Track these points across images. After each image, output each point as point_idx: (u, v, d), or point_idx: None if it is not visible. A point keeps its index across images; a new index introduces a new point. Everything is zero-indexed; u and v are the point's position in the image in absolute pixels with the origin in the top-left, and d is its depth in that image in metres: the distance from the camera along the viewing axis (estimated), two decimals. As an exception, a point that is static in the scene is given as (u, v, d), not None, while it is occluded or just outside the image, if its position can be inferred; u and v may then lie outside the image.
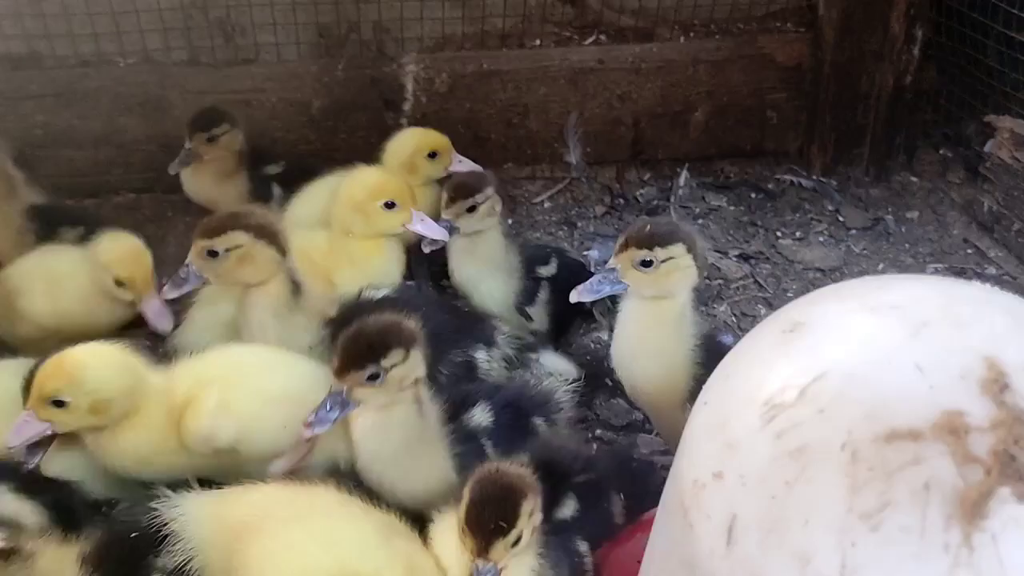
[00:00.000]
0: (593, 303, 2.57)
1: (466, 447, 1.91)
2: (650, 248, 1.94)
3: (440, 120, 3.20)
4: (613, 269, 2.00)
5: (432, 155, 2.80)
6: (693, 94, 3.52)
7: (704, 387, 1.27)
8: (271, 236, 2.10)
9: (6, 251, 2.51)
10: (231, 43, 3.27)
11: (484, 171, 2.63)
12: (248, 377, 1.94)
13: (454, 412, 1.96)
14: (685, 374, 1.97)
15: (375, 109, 3.32)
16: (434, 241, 2.44)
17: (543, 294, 2.58)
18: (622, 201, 3.49)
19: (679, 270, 1.98)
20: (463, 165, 2.82)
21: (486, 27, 3.42)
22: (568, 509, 1.86)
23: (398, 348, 1.74)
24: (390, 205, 2.43)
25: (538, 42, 3.47)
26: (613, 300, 2.30)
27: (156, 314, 2.37)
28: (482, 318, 2.40)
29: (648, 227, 2.00)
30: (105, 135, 3.17)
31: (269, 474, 1.83)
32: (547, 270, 2.62)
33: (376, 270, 2.42)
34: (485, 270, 2.51)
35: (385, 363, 1.72)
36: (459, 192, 2.40)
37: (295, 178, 2.82)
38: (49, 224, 2.61)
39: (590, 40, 3.50)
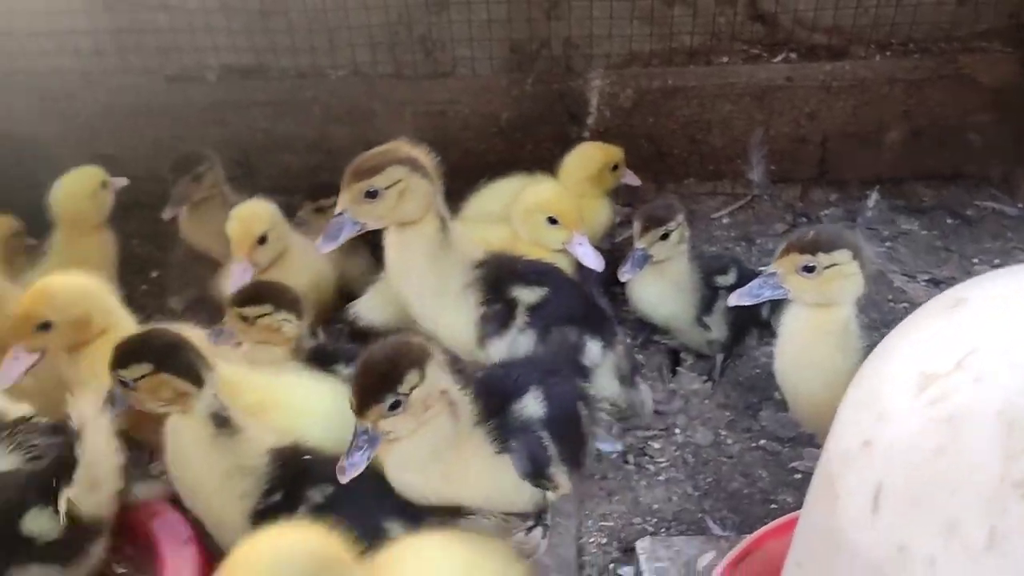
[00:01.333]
0: (772, 314, 2.54)
1: (520, 438, 1.84)
2: (813, 253, 1.90)
3: (623, 134, 3.29)
4: (774, 273, 1.98)
5: (615, 168, 2.90)
6: (887, 114, 3.41)
7: (861, 366, 1.26)
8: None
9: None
10: (431, 57, 3.49)
11: (672, 200, 2.60)
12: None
13: (502, 402, 1.87)
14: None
15: (560, 122, 3.44)
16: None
17: (720, 303, 2.56)
18: (805, 220, 3.42)
19: (843, 277, 1.92)
20: (630, 178, 2.96)
21: (674, 44, 3.47)
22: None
23: (412, 370, 1.63)
24: (553, 221, 2.49)
25: (726, 59, 3.48)
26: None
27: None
28: (611, 322, 2.40)
29: (812, 232, 1.96)
30: (316, 141, 3.46)
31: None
32: (725, 280, 2.60)
33: None
34: (668, 294, 2.53)
35: (403, 389, 1.62)
36: (652, 221, 2.41)
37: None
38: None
39: (779, 58, 3.47)
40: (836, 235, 1.96)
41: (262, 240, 2.52)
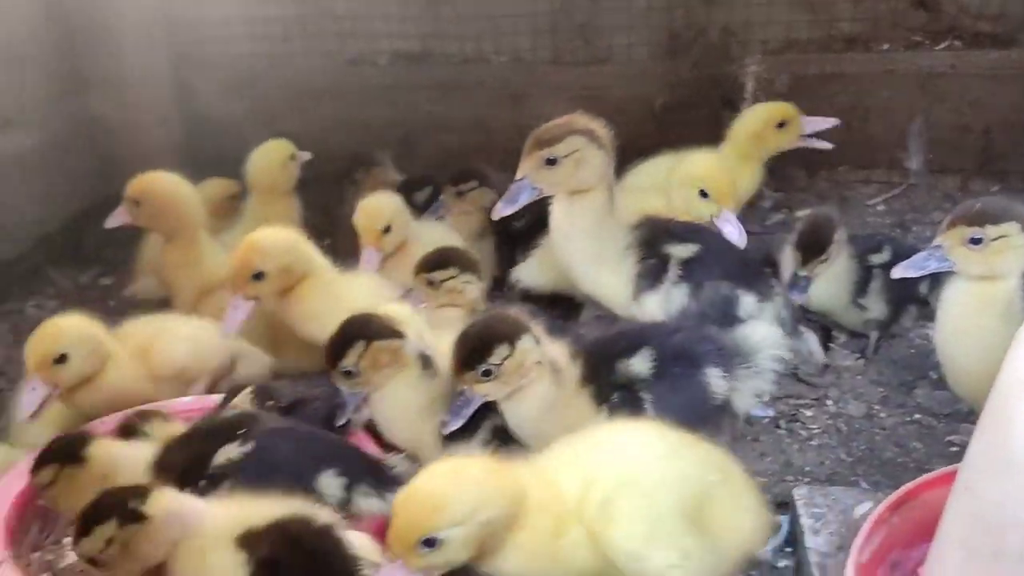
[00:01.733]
0: (931, 291, 2.53)
1: (621, 396, 1.90)
2: (980, 225, 1.88)
3: (777, 120, 3.33)
4: (940, 246, 1.96)
5: (781, 125, 2.96)
6: (1056, 104, 3.32)
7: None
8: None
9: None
10: (589, 45, 3.63)
11: (827, 213, 2.63)
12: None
13: (612, 358, 1.94)
14: None
15: (713, 108, 3.50)
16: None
17: (876, 283, 2.58)
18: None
19: (1011, 250, 1.89)
20: (814, 124, 2.98)
21: (832, 31, 3.49)
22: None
23: (501, 344, 1.76)
24: (704, 194, 2.56)
25: (886, 46, 3.46)
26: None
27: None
28: (766, 276, 2.45)
29: (979, 204, 1.94)
30: (476, 123, 3.65)
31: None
32: (880, 258, 2.61)
33: None
34: (823, 285, 2.56)
35: (493, 360, 1.76)
36: (812, 251, 2.48)
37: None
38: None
39: (943, 45, 3.43)
40: (1004, 207, 1.93)
41: (386, 230, 2.69)
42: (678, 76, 3.51)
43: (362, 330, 1.89)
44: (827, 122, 3.00)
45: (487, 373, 1.77)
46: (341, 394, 1.93)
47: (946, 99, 3.38)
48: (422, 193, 3.16)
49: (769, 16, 3.45)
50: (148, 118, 3.72)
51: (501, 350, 1.76)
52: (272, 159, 3.07)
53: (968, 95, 3.37)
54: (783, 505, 2.06)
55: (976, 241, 1.90)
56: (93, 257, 3.50)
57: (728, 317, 2.21)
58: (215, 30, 3.73)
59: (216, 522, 1.52)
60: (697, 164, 2.66)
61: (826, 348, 2.71)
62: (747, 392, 2.00)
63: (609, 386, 1.90)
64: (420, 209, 3.07)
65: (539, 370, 1.82)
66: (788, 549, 1.95)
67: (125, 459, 1.77)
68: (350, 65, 3.75)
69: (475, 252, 2.80)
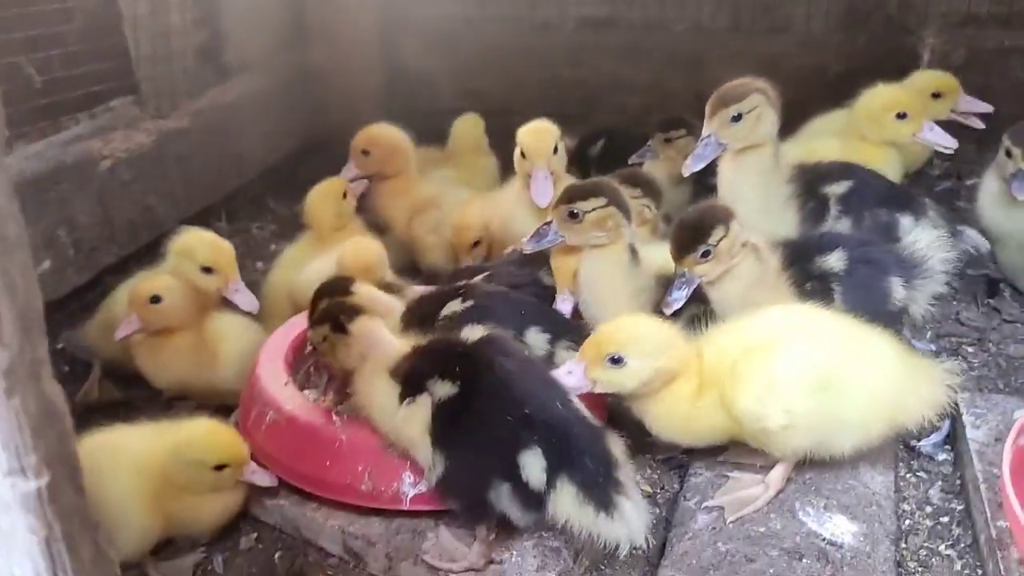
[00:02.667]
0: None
1: (814, 285, 2.14)
2: None
3: (951, 92, 3.42)
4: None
5: (901, 116, 2.85)
6: None
7: None
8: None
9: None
10: (768, 14, 3.82)
11: None
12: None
13: (811, 253, 2.20)
14: None
15: (888, 78, 3.61)
16: None
17: None
18: None
19: None
20: (971, 103, 3.01)
21: (1014, 7, 3.55)
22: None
23: (719, 226, 2.02)
24: (902, 116, 2.76)
25: (1072, 21, 3.51)
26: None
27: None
28: (918, 198, 2.59)
29: None
30: (654, 85, 3.90)
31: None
32: None
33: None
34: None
35: (712, 240, 2.02)
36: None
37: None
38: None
39: None
40: None
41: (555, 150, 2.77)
42: (855, 46, 3.66)
43: (609, 192, 2.19)
44: (983, 106, 3.03)
45: (706, 254, 2.03)
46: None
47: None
48: (595, 147, 3.42)
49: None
50: (357, 70, 4.16)
51: (718, 231, 2.03)
52: (472, 128, 3.48)
53: None
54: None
55: None
56: (307, 188, 3.95)
57: (891, 240, 2.40)
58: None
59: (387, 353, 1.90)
60: (885, 91, 2.88)
61: (991, 296, 2.83)
62: (924, 298, 2.21)
63: (805, 275, 2.15)
64: (594, 163, 3.34)
65: (745, 251, 2.08)
66: (947, 447, 2.12)
67: (384, 307, 2.15)
68: (538, 29, 4.06)
69: (676, 197, 3.05)
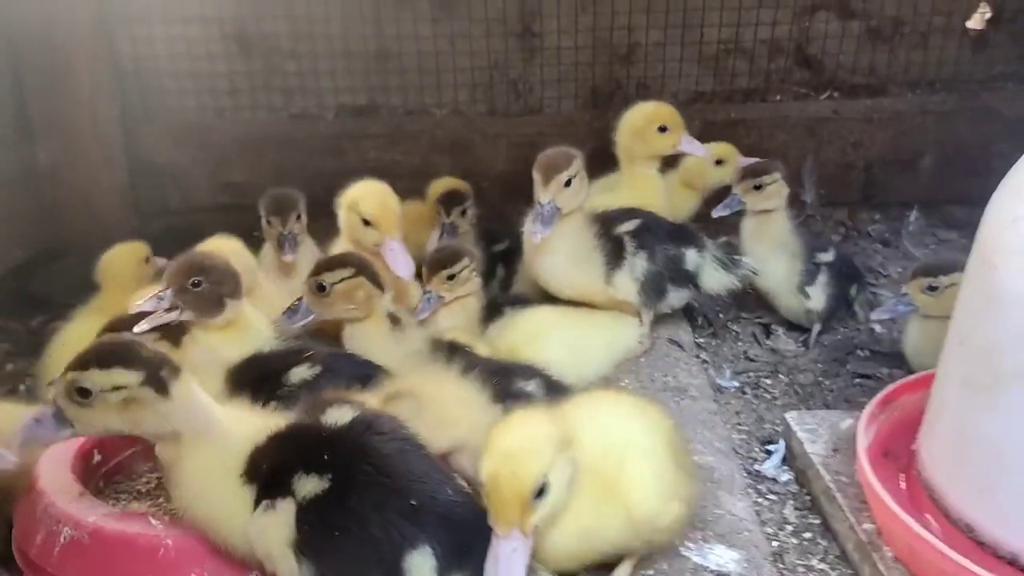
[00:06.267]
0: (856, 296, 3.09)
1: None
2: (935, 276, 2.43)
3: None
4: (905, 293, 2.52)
5: (662, 129, 3.04)
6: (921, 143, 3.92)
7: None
8: (371, 273, 2.27)
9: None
10: (520, 99, 4.00)
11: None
12: None
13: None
14: None
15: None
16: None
17: (822, 277, 2.95)
18: (855, 233, 3.86)
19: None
20: (692, 146, 3.10)
21: (733, 86, 4.00)
22: None
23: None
24: (663, 129, 2.99)
25: (778, 97, 4.00)
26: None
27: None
28: (696, 234, 2.87)
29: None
30: (420, 168, 3.90)
31: None
32: (826, 257, 3.00)
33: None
34: (772, 252, 2.93)
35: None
36: (748, 172, 2.89)
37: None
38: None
39: (825, 96, 4.00)
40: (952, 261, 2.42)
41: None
42: (604, 123, 3.90)
43: (357, 263, 2.26)
44: (700, 149, 3.17)
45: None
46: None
47: (832, 141, 3.92)
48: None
49: (679, 72, 3.93)
50: (95, 168, 3.78)
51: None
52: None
53: (850, 137, 3.92)
54: (768, 442, 2.35)
55: (933, 288, 2.42)
56: (42, 302, 3.48)
57: (680, 271, 2.73)
58: (164, 82, 3.87)
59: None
60: (645, 107, 3.12)
61: (767, 337, 3.06)
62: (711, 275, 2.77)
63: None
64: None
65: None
66: (785, 467, 2.22)
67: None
68: (296, 119, 3.96)
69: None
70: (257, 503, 1.52)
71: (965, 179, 3.92)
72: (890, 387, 2.05)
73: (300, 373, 1.91)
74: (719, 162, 3.33)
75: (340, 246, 2.64)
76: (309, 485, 1.51)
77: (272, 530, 1.50)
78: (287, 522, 1.49)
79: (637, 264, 2.66)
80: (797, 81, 4.05)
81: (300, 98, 3.97)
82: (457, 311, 2.53)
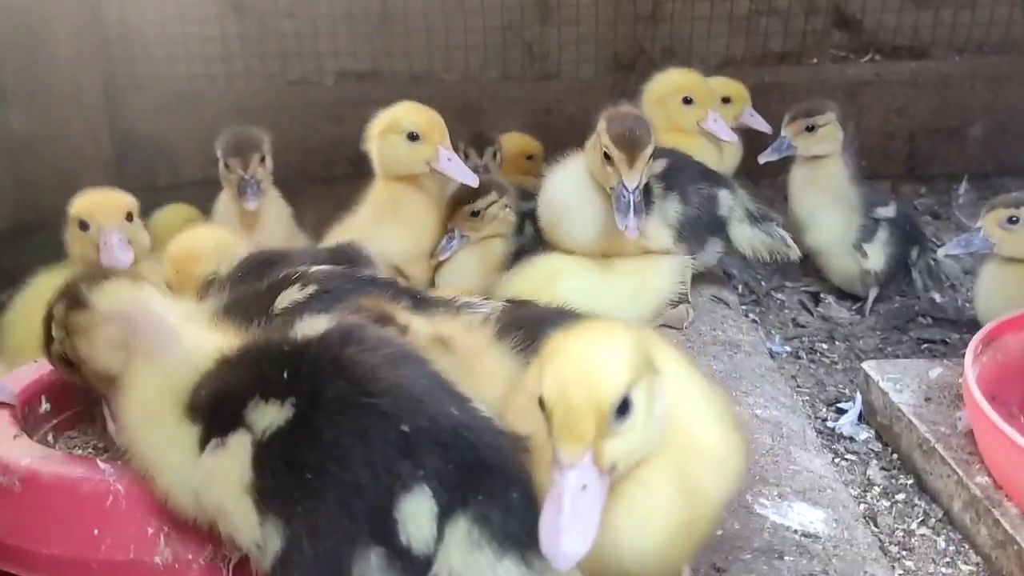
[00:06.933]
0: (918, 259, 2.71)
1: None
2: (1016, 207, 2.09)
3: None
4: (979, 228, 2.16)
5: (687, 100, 2.75)
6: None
7: None
8: (511, 195, 2.33)
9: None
10: (536, 63, 3.71)
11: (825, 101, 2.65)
12: None
13: None
14: None
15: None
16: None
17: (882, 234, 2.62)
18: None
19: None
20: (718, 126, 2.74)
21: (766, 49, 3.71)
22: None
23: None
24: (688, 101, 2.66)
25: (815, 60, 3.70)
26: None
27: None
28: (728, 179, 2.59)
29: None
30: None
31: None
32: (886, 212, 2.67)
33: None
34: (826, 204, 2.60)
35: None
36: (799, 111, 2.56)
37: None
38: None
39: (866, 59, 3.70)
40: None
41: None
42: (626, 89, 3.60)
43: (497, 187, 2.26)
44: (763, 124, 2.98)
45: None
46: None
47: (873, 107, 3.61)
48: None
49: (708, 33, 3.64)
50: (77, 138, 3.50)
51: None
52: None
53: (893, 103, 3.61)
54: (834, 403, 2.02)
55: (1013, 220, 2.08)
56: (13, 280, 3.19)
57: (715, 216, 2.39)
58: (151, 48, 3.59)
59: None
60: (670, 75, 2.78)
61: (817, 305, 2.73)
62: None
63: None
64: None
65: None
66: (863, 424, 1.88)
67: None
68: (294, 85, 3.67)
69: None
70: (204, 444, 1.19)
71: (1018, 148, 3.63)
72: (991, 324, 1.72)
73: (291, 296, 1.57)
74: (726, 100, 2.95)
75: (374, 195, 2.36)
76: (268, 415, 1.16)
77: (222, 474, 1.16)
78: (242, 462, 1.14)
79: (668, 208, 2.32)
80: (835, 43, 3.75)
81: (298, 63, 3.68)
82: (480, 255, 2.27)
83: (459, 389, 1.22)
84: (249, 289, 1.68)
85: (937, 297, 2.77)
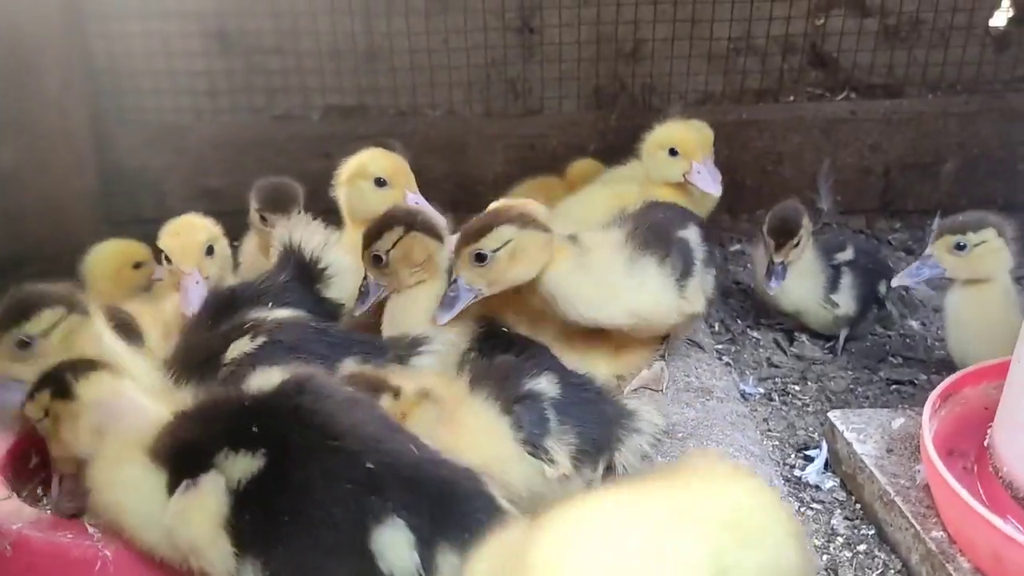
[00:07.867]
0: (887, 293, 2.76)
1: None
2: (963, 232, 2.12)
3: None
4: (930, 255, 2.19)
5: (672, 152, 2.72)
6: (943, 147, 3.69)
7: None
8: (423, 224, 2.02)
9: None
10: (519, 100, 3.77)
11: (796, 205, 2.67)
12: None
13: None
14: None
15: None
16: None
17: (846, 279, 2.67)
18: (876, 242, 3.61)
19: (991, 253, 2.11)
20: (700, 179, 2.69)
21: (744, 86, 3.78)
22: None
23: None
24: (673, 152, 2.68)
25: (792, 98, 3.78)
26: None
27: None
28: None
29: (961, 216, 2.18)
30: (413, 171, 3.65)
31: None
32: (845, 256, 2.73)
33: None
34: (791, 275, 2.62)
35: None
36: (782, 235, 2.56)
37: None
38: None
39: (841, 96, 3.78)
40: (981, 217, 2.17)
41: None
42: (607, 125, 3.68)
43: (406, 218, 1.94)
44: (710, 185, 2.76)
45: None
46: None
47: (849, 143, 3.69)
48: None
49: (687, 71, 3.71)
50: (62, 171, 3.53)
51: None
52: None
53: (868, 139, 3.69)
54: (803, 448, 2.07)
55: (961, 247, 2.11)
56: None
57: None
58: (138, 81, 3.64)
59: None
60: (660, 129, 2.77)
61: (791, 344, 2.79)
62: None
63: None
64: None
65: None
66: (828, 472, 1.94)
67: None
68: (279, 120, 3.72)
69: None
70: (172, 487, 1.27)
71: (989, 184, 3.71)
72: (950, 379, 1.78)
73: (240, 347, 1.62)
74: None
75: (345, 239, 2.27)
76: (240, 465, 1.25)
77: (196, 512, 1.24)
78: (216, 500, 1.23)
79: (707, 278, 2.29)
80: (812, 81, 3.84)
81: (284, 98, 3.73)
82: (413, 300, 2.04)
83: (404, 427, 1.34)
84: (202, 337, 1.73)
85: (915, 324, 2.85)
